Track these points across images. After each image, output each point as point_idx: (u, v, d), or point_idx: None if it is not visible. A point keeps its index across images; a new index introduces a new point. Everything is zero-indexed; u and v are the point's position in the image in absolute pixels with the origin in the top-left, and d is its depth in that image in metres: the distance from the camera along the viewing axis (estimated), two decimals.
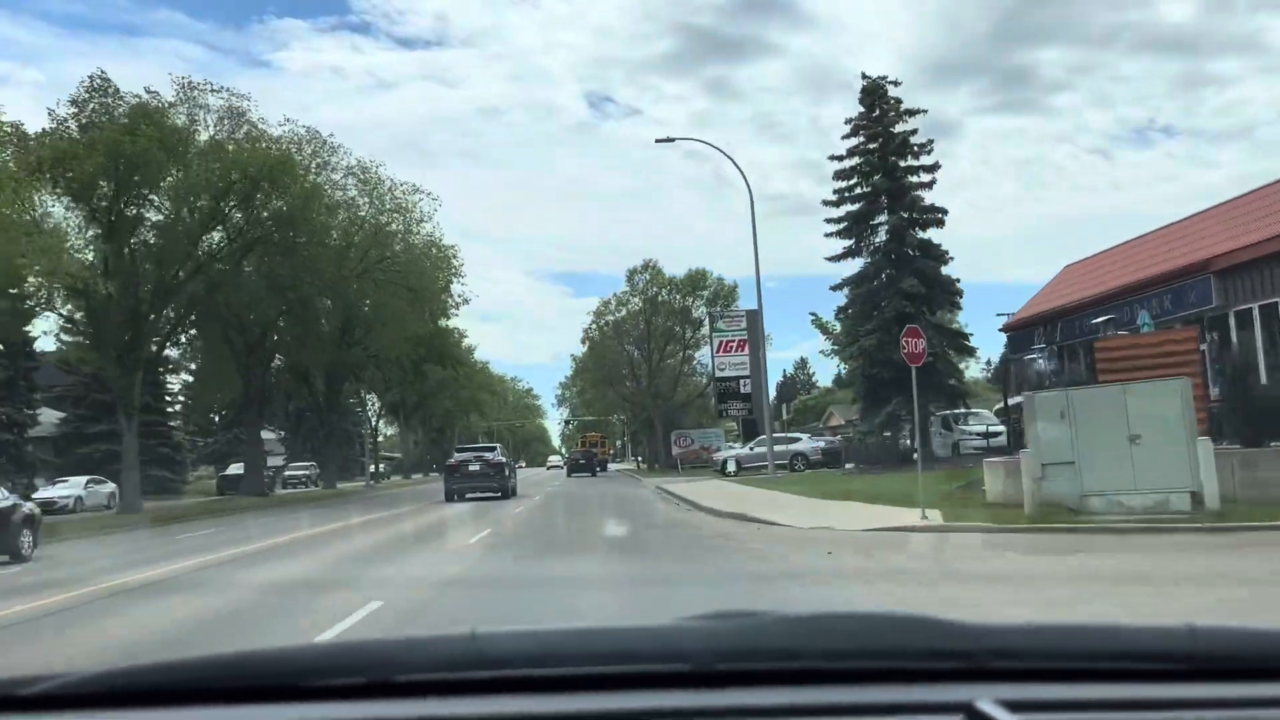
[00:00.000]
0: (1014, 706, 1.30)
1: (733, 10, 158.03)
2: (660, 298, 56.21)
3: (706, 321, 55.68)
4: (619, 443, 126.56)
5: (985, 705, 1.29)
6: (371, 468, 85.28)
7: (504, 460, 34.15)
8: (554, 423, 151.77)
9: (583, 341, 62.51)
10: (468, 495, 31.83)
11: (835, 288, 32.66)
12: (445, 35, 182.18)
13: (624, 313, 57.84)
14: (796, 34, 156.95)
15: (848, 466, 39.23)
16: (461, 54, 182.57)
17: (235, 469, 63.79)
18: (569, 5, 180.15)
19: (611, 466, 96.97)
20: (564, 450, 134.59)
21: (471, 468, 32.63)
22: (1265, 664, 1.45)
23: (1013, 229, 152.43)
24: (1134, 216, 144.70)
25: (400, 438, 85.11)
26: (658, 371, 58.59)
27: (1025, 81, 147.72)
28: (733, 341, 52.87)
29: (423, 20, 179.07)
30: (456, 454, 35.19)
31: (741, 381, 52.67)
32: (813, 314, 46.41)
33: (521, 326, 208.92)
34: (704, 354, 57.72)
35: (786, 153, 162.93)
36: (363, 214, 43.34)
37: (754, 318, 53.50)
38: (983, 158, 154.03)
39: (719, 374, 52.80)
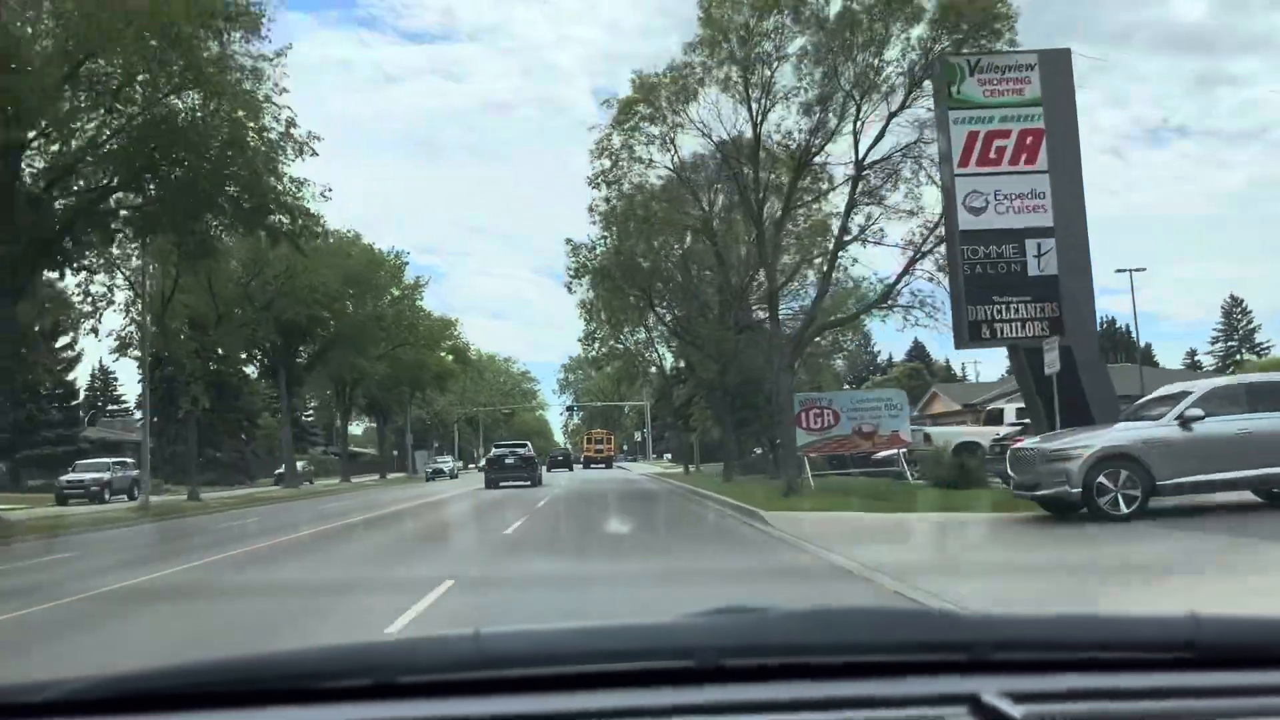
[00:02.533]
0: (1018, 698, 1.28)
1: None
2: (773, 63, 21.86)
3: (932, 77, 20.94)
4: (639, 434, 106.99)
5: (989, 697, 1.28)
6: (246, 471, 52.30)
7: (533, 455, 40.89)
8: (556, 413, 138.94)
9: (592, 212, 28.98)
10: (502, 484, 37.24)
11: None
12: (453, 30, 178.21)
13: (683, 126, 23.88)
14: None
15: None
16: (469, 48, 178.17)
17: None
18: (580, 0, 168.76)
19: (634, 468, 70.17)
20: (569, 444, 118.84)
21: (508, 461, 39.10)
22: (1269, 652, 1.44)
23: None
24: (1148, 219, 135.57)
25: (281, 420, 51.09)
26: (775, 251, 24.05)
27: None
28: (1006, 135, 19.15)
29: (430, 15, 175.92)
30: (495, 449, 42.87)
31: (1036, 255, 18.97)
32: None
33: (532, 325, 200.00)
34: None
35: None
36: None
37: (1059, 65, 19.90)
38: None
39: (970, 221, 18.96)
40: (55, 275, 26.40)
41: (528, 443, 45.52)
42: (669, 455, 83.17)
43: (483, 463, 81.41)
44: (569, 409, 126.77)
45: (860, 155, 21.92)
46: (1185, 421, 13.27)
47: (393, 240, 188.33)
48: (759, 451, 44.19)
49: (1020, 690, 1.31)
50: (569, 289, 31.96)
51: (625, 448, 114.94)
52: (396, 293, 58.53)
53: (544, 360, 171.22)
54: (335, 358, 52.45)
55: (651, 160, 24.63)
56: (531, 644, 1.48)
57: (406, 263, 56.83)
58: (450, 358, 74.79)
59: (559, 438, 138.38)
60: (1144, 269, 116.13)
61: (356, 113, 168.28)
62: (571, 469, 67.68)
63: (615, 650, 1.44)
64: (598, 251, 31.28)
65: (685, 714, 1.32)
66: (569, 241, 31.28)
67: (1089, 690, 1.36)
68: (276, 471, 65.27)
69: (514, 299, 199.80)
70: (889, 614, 1.71)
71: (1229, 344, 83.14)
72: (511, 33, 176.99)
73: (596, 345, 49.16)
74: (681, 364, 48.91)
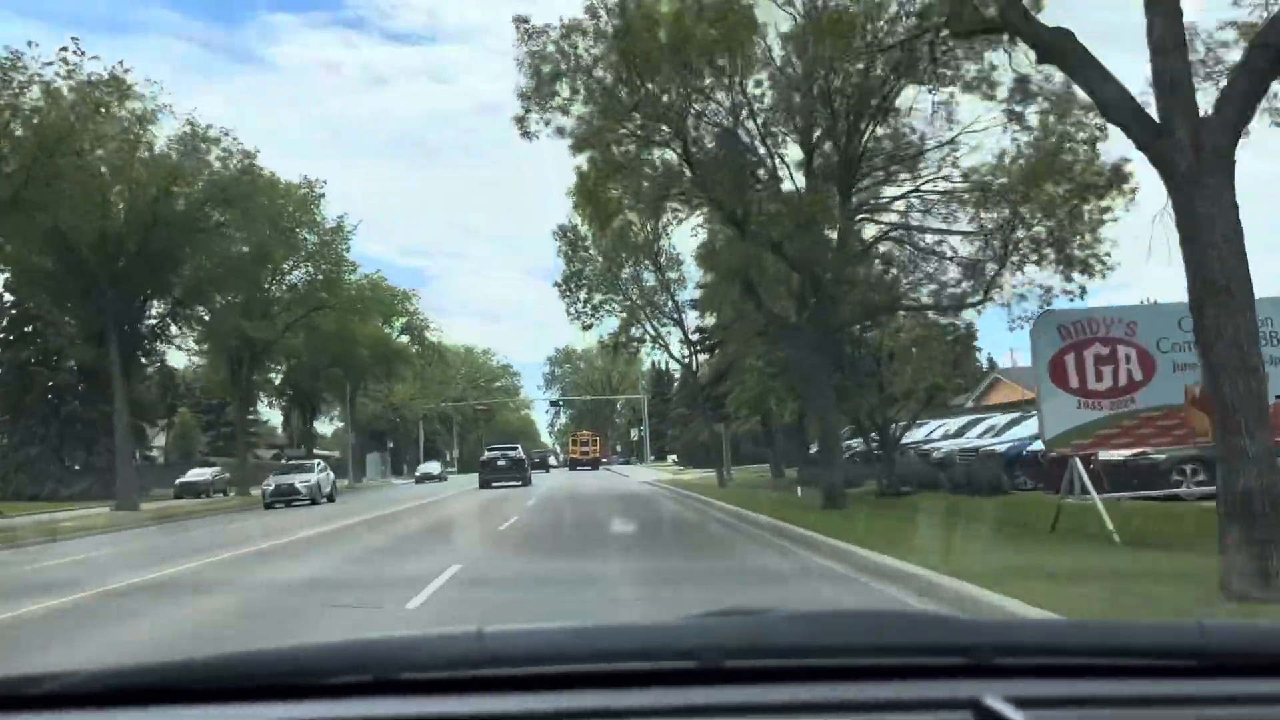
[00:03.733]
0: (1022, 703, 1.27)
1: None
2: None
3: None
4: (635, 433, 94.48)
5: (993, 701, 1.27)
6: None
7: (523, 457, 44.02)
8: (542, 411, 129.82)
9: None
10: (494, 484, 40.32)
11: None
12: (439, 30, 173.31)
13: None
14: None
15: None
16: (458, 49, 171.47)
17: None
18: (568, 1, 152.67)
19: (632, 473, 56.40)
20: (556, 445, 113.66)
21: (500, 463, 42.45)
22: (1275, 660, 1.42)
23: None
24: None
25: (119, 408, 34.50)
26: None
27: None
28: None
29: (417, 16, 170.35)
30: (488, 452, 45.54)
31: None
32: None
33: (525, 327, 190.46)
34: None
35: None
36: None
37: None
38: None
39: None
40: None
41: (518, 445, 49.55)
42: (674, 457, 67.27)
43: (419, 472, 66.66)
44: (554, 404, 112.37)
45: None
46: None
47: (392, 242, 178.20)
48: (813, 450, 28.23)
49: (1024, 695, 1.28)
50: (523, 130, 16.04)
51: (619, 449, 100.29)
52: (312, 239, 42.71)
53: (539, 362, 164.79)
54: (214, 320, 36.55)
55: None
56: (535, 642, 1.46)
57: (322, 194, 40.84)
58: (406, 338, 59.14)
59: (546, 438, 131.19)
60: None
61: (350, 114, 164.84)
62: (549, 470, 70.08)
63: (618, 650, 1.43)
64: (580, 48, 15.51)
65: (687, 715, 1.31)
66: (521, 22, 15.41)
67: (1093, 697, 1.34)
68: (179, 480, 49.60)
69: (508, 301, 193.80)
70: (892, 617, 1.71)
71: None
72: (499, 33, 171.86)
73: (583, 296, 33.58)
74: (707, 319, 33.33)
